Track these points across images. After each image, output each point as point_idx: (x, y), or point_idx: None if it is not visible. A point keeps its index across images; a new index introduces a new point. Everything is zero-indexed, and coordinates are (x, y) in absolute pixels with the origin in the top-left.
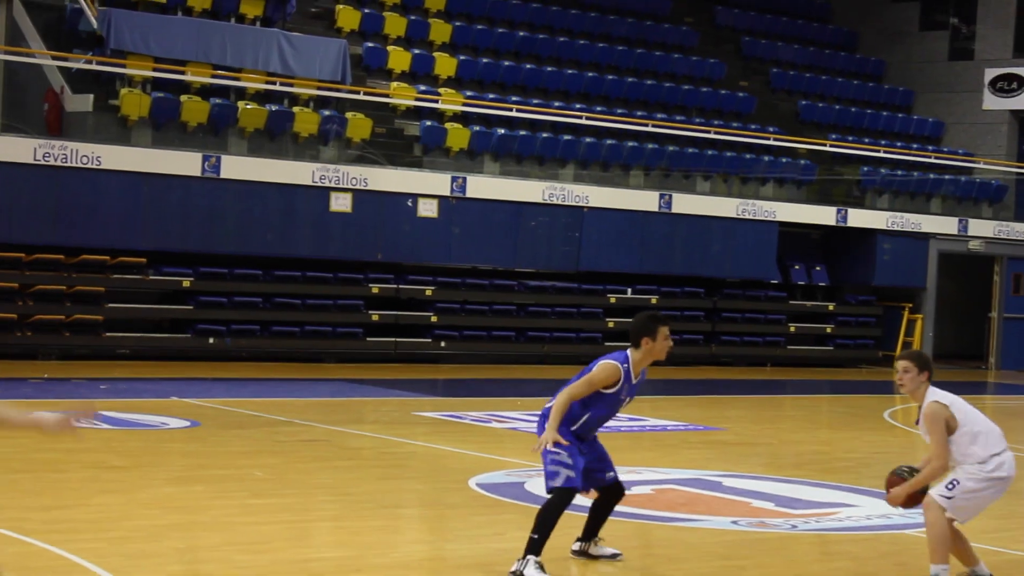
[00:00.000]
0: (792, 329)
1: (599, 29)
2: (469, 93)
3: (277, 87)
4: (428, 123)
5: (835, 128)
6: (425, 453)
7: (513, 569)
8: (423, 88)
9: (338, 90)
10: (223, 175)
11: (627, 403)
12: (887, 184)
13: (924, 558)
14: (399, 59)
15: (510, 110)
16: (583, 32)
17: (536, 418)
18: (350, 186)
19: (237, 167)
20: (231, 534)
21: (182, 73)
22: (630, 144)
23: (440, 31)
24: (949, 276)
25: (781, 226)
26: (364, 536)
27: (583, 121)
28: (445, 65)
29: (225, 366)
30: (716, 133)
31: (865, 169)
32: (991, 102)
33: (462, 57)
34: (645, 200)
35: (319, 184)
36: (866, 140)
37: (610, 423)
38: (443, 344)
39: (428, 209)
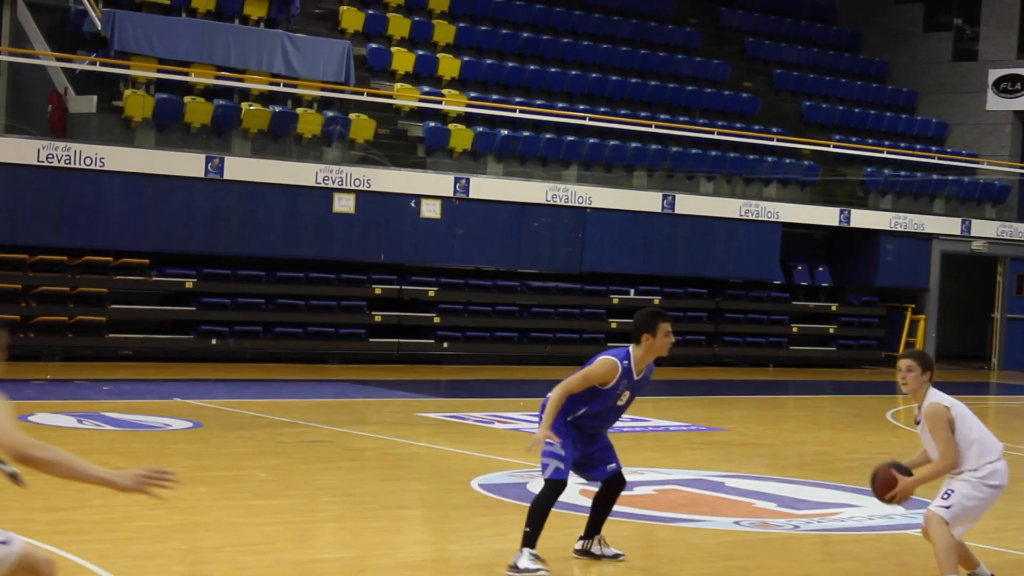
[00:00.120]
0: (795, 330)
1: (603, 30)
2: (473, 94)
3: (281, 88)
4: (431, 124)
5: (839, 129)
6: (428, 454)
7: (510, 562)
8: (427, 89)
9: (342, 91)
10: (226, 176)
11: (630, 399)
12: (890, 185)
13: (925, 558)
14: (403, 60)
15: (513, 111)
16: (587, 33)
17: (537, 418)
18: (353, 187)
19: (240, 168)
20: (234, 535)
21: (186, 74)
22: (633, 145)
23: (444, 32)
24: (952, 277)
25: (784, 227)
26: (367, 537)
27: (586, 122)
28: (449, 66)
29: (228, 367)
30: (720, 134)
31: (868, 170)
32: (995, 103)
33: (466, 58)
34: (648, 201)
35: (322, 185)
36: (870, 141)
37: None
38: (446, 345)
39: (431, 210)
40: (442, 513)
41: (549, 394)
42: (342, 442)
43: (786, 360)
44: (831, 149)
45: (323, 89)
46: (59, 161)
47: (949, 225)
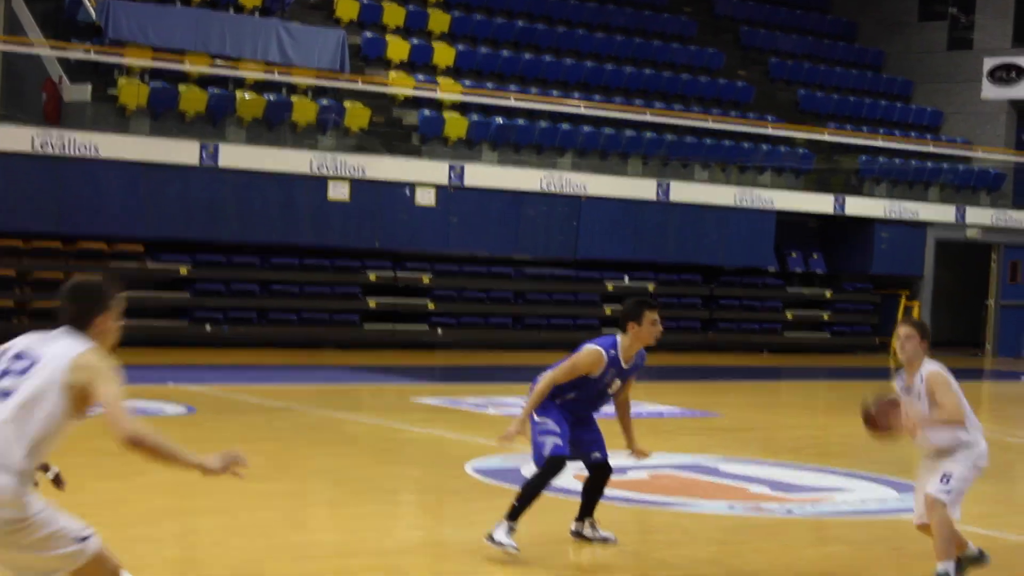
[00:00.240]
0: (789, 316)
1: (597, 19)
2: (467, 82)
3: (276, 77)
4: (426, 112)
5: (833, 117)
6: (422, 439)
7: (488, 532)
8: (421, 77)
9: (336, 79)
10: (221, 164)
11: (621, 387)
12: (885, 173)
13: (917, 543)
14: (398, 49)
15: (508, 99)
16: (581, 22)
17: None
18: (348, 175)
19: (235, 156)
20: (228, 519)
21: (180, 63)
22: (628, 133)
23: (439, 21)
24: (946, 264)
25: (779, 215)
26: (361, 521)
27: (581, 110)
28: (443, 55)
29: (222, 353)
30: (714, 122)
31: (863, 158)
32: (990, 91)
33: (460, 47)
34: (643, 189)
35: (317, 173)
36: (865, 129)
37: (608, 409)
38: (440, 331)
39: (426, 198)
40: (436, 497)
41: (538, 377)
42: (336, 427)
43: (780, 346)
44: (826, 137)
45: (318, 77)
46: (54, 149)
47: (944, 213)
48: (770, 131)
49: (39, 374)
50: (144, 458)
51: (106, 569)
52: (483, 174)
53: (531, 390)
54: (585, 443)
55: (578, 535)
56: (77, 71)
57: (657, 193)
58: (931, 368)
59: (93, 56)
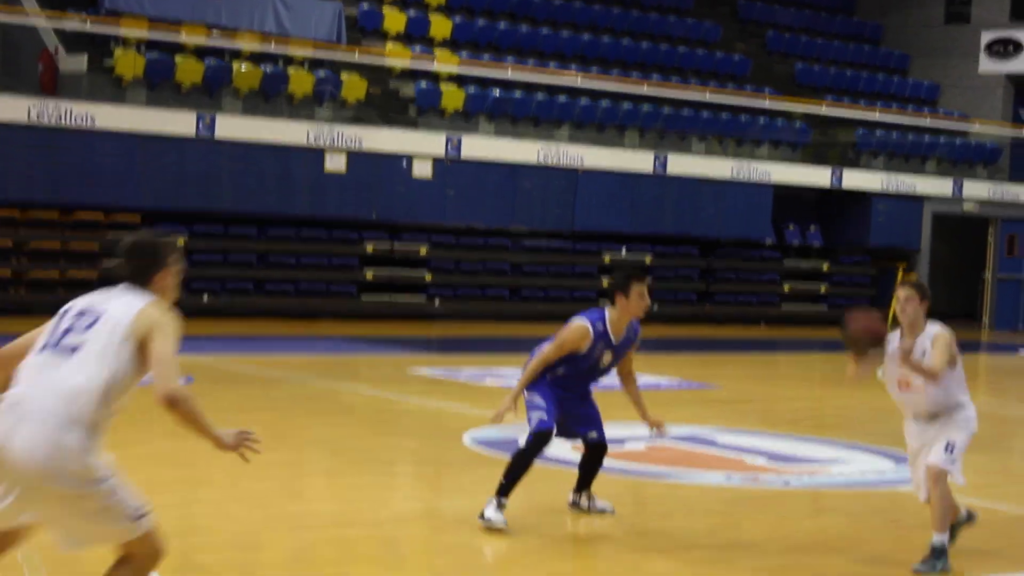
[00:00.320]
0: (786, 288)
1: None
2: (464, 54)
3: (272, 48)
4: (423, 84)
5: (831, 91)
6: (419, 410)
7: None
8: (418, 49)
9: (333, 51)
10: (218, 135)
11: (614, 360)
12: (882, 146)
13: (915, 515)
14: (394, 20)
15: (505, 71)
16: None
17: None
18: (345, 146)
19: (232, 127)
20: (226, 489)
21: (177, 33)
22: (625, 106)
23: None
24: (943, 238)
25: (776, 188)
26: (358, 492)
27: (578, 83)
28: (440, 26)
29: (219, 323)
30: (711, 95)
31: (860, 131)
32: (987, 65)
33: (457, 19)
34: (640, 161)
35: (314, 144)
36: (862, 103)
37: (606, 381)
38: (437, 302)
39: (423, 170)
40: (433, 468)
41: (535, 350)
42: (333, 398)
43: (777, 318)
44: (823, 111)
45: (315, 49)
46: (50, 120)
47: (941, 186)
48: (767, 104)
49: (104, 328)
50: (176, 420)
51: (150, 550)
52: (480, 146)
53: (526, 365)
54: (580, 419)
55: (575, 506)
56: (73, 42)
57: (654, 166)
58: (937, 329)
59: (89, 27)
